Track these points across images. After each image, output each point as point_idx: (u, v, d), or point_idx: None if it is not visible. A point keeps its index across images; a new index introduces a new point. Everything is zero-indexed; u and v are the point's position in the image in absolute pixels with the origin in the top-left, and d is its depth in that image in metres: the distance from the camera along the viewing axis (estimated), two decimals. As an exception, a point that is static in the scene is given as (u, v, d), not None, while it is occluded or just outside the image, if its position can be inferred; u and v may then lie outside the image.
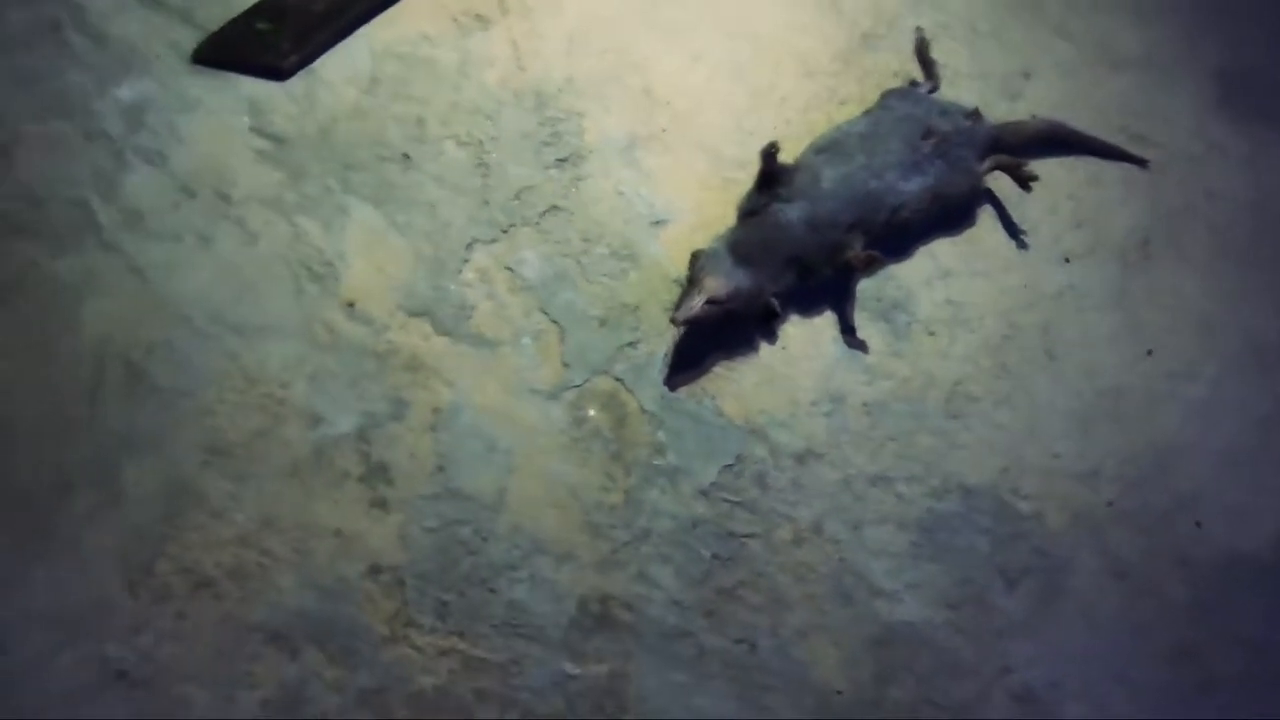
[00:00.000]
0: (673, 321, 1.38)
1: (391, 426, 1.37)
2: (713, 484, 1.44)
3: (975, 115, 1.65)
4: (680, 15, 1.76)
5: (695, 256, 1.49)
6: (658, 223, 1.60)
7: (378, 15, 1.60)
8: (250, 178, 1.45)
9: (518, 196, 1.55)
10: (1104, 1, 1.87)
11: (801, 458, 1.49)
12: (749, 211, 1.53)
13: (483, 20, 1.65)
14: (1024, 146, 1.72)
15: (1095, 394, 1.59)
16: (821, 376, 1.54)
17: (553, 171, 1.59)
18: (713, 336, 1.50)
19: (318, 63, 1.55)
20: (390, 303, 1.44)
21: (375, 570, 1.31)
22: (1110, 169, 1.76)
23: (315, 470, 1.34)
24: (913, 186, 1.55)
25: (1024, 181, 1.62)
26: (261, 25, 1.50)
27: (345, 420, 1.36)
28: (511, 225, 1.53)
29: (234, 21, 1.51)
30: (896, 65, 1.80)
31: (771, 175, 1.50)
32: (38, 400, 1.30)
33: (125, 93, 1.46)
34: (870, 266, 1.49)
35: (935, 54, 1.79)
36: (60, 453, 1.29)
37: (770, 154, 1.45)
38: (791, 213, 1.48)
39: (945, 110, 1.63)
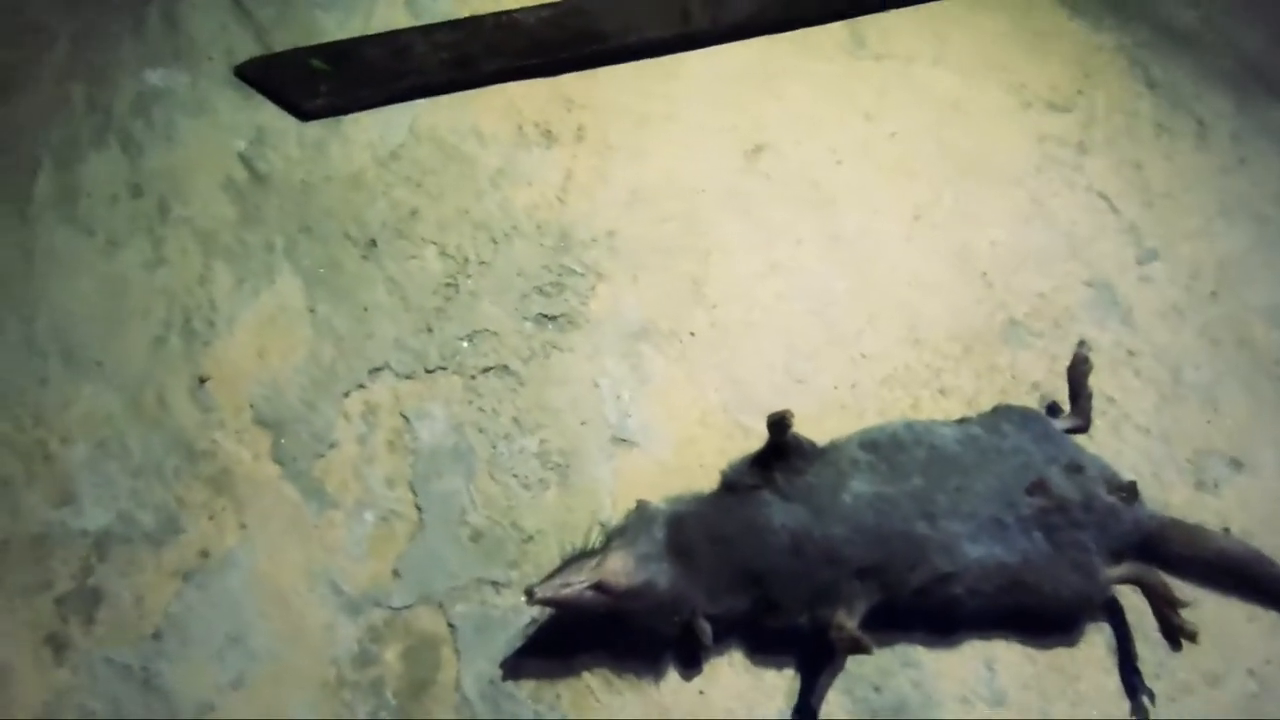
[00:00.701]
0: (526, 594, 0.92)
1: (140, 550, 1.02)
2: None
3: (1128, 492, 1.10)
4: (781, 214, 1.41)
5: (631, 513, 1.05)
6: (623, 441, 1.18)
7: (445, 94, 1.41)
8: (203, 202, 1.26)
9: (469, 339, 1.22)
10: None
11: None
12: (730, 484, 1.08)
13: (550, 138, 1.41)
14: (1194, 565, 1.13)
15: None
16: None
17: (529, 326, 1.24)
18: (609, 627, 1.02)
19: (352, 118, 1.37)
20: (245, 397, 1.12)
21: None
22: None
23: (22, 559, 1.00)
24: (979, 554, 1.01)
25: (1173, 629, 1.02)
26: (315, 62, 1.36)
27: (96, 516, 1.03)
28: (440, 368, 1.19)
29: (295, 50, 1.38)
30: (1039, 376, 1.30)
31: (780, 451, 1.04)
32: None
33: (155, 78, 1.36)
34: (852, 651, 0.95)
35: (1104, 386, 1.28)
36: None
37: (780, 423, 1.01)
38: (780, 515, 1.00)
39: (1080, 466, 1.10)
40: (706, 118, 1.49)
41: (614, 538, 1.01)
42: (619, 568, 0.95)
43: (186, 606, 1.00)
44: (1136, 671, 1.09)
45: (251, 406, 1.12)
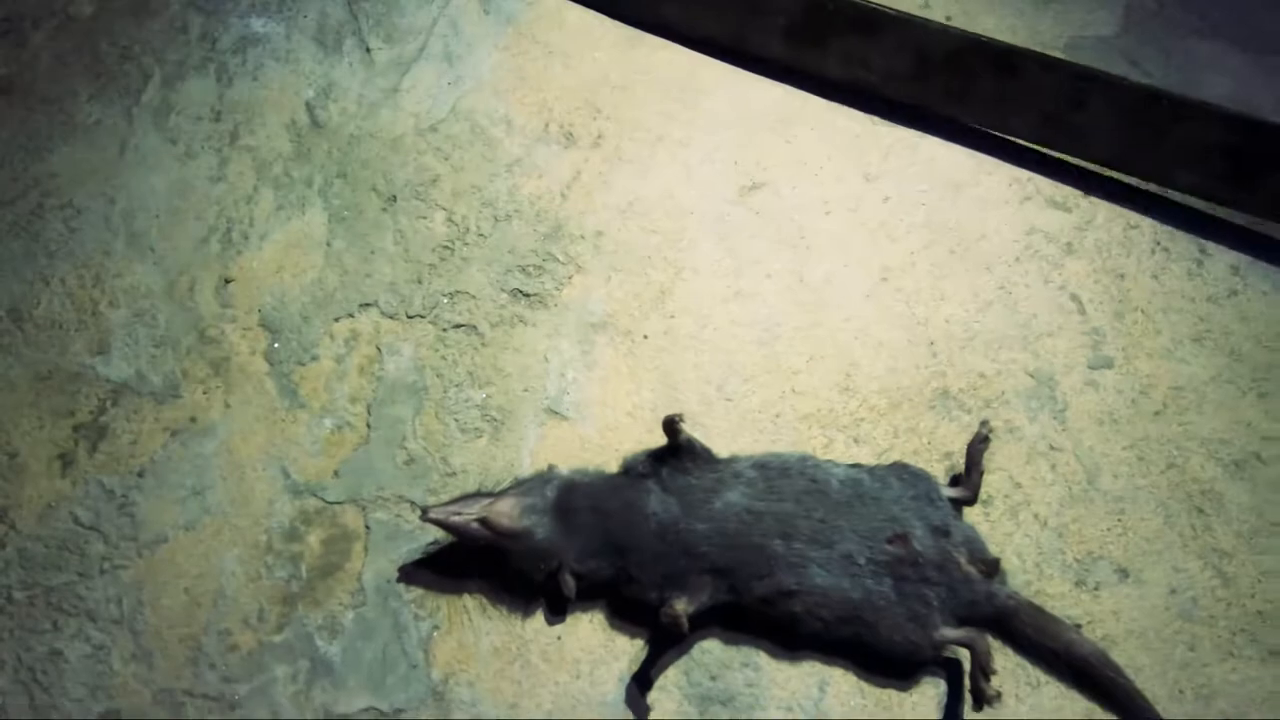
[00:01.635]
0: (422, 513, 1.10)
1: (144, 403, 1.26)
2: (344, 718, 1.11)
3: (989, 566, 1.18)
4: (758, 248, 1.54)
5: (538, 473, 1.21)
6: (555, 413, 1.34)
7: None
8: (267, 135, 1.49)
9: (450, 296, 1.41)
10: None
11: (460, 772, 1.10)
12: (626, 470, 1.23)
13: (570, 139, 1.58)
14: (1043, 652, 1.20)
15: None
16: (569, 708, 1.14)
17: (504, 297, 1.42)
18: (493, 566, 1.19)
19: (407, 85, 1.57)
20: (257, 301, 1.35)
21: None
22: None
23: (58, 388, 1.25)
24: (825, 582, 1.13)
25: (979, 692, 1.10)
26: None
27: (120, 368, 1.28)
28: (419, 316, 1.38)
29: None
30: (954, 448, 1.39)
31: (674, 451, 1.19)
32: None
33: (257, 24, 1.60)
34: (670, 628, 1.08)
35: (1016, 473, 1.35)
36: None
37: (672, 426, 1.15)
38: (655, 502, 1.15)
39: (947, 531, 1.19)
40: (716, 148, 1.62)
41: (513, 487, 1.17)
42: (505, 510, 1.11)
43: (168, 457, 1.23)
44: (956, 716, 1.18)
45: (259, 311, 1.34)
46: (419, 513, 1.11)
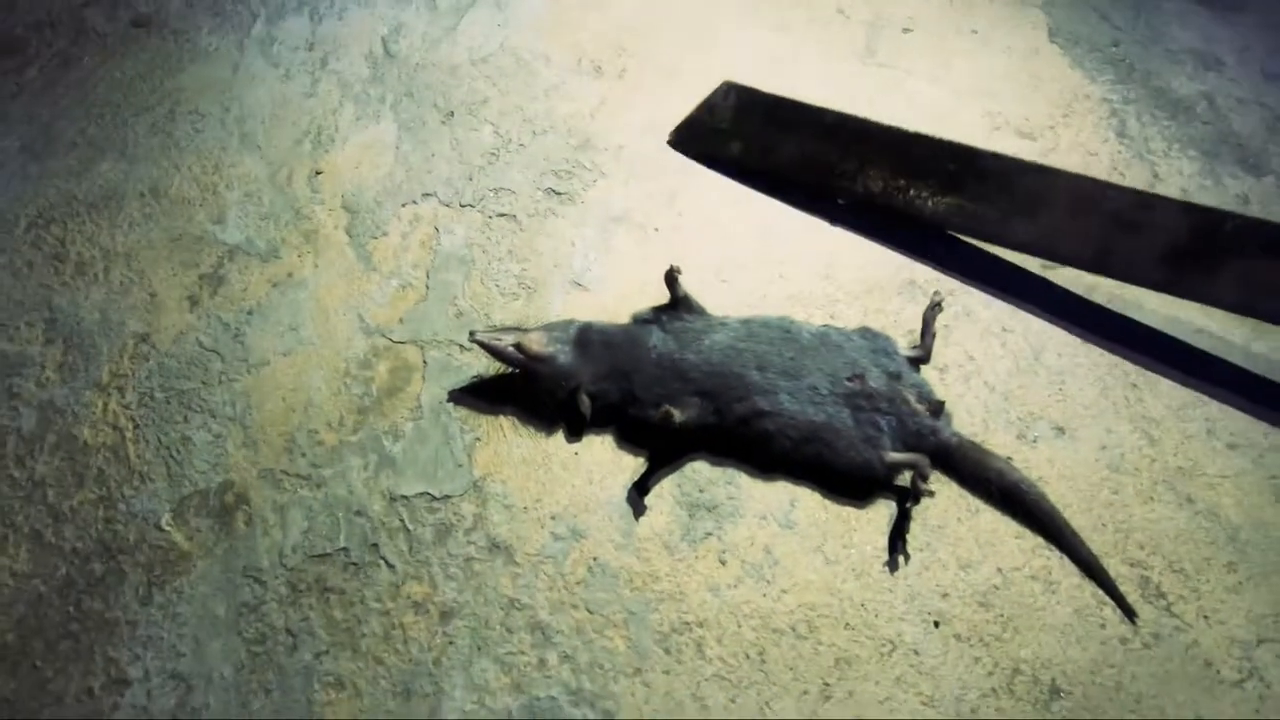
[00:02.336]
0: (470, 334, 1.39)
1: (252, 261, 1.57)
2: (404, 497, 1.39)
3: (935, 407, 1.41)
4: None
5: (566, 320, 1.49)
6: (578, 285, 1.62)
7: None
8: (349, 61, 1.81)
9: (495, 191, 1.70)
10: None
11: (494, 547, 1.37)
12: (635, 318, 1.50)
13: (598, 70, 1.87)
14: (978, 482, 1.43)
15: None
16: (582, 506, 1.41)
17: (539, 194, 1.71)
18: (525, 396, 1.46)
19: (464, 25, 1.88)
20: (340, 189, 1.66)
21: (140, 337, 1.50)
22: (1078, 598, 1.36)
23: (187, 248, 1.58)
24: (792, 407, 1.37)
25: (915, 492, 1.34)
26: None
27: (233, 234, 1.60)
28: (469, 205, 1.68)
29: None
30: (916, 325, 1.62)
31: (674, 303, 1.45)
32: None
33: (343, -25, 1.93)
34: (662, 421, 1.34)
35: (970, 347, 1.58)
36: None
37: (670, 276, 1.41)
38: (654, 337, 1.41)
39: (899, 375, 1.43)
40: (723, 80, 1.89)
41: (542, 326, 1.45)
42: (536, 339, 1.39)
43: (270, 301, 1.54)
44: (902, 537, 1.40)
45: (341, 196, 1.65)
46: (468, 334, 1.39)
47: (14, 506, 1.33)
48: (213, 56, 1.82)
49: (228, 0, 1.90)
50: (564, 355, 1.40)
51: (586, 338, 1.42)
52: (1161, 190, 1.82)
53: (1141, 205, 1.49)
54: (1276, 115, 1.98)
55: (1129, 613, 1.33)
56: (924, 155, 1.61)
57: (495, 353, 1.39)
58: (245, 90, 1.77)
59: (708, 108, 1.66)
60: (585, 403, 1.41)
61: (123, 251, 1.57)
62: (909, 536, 1.41)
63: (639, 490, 1.41)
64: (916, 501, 1.34)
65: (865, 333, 1.50)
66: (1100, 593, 1.35)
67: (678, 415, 1.33)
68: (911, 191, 1.65)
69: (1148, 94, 1.98)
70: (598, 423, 1.45)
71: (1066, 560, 1.36)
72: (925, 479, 1.34)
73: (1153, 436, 1.52)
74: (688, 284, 1.50)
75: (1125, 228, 1.49)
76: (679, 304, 1.44)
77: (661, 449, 1.43)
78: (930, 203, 1.64)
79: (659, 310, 1.47)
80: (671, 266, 1.41)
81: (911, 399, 1.41)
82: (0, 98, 1.75)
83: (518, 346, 1.38)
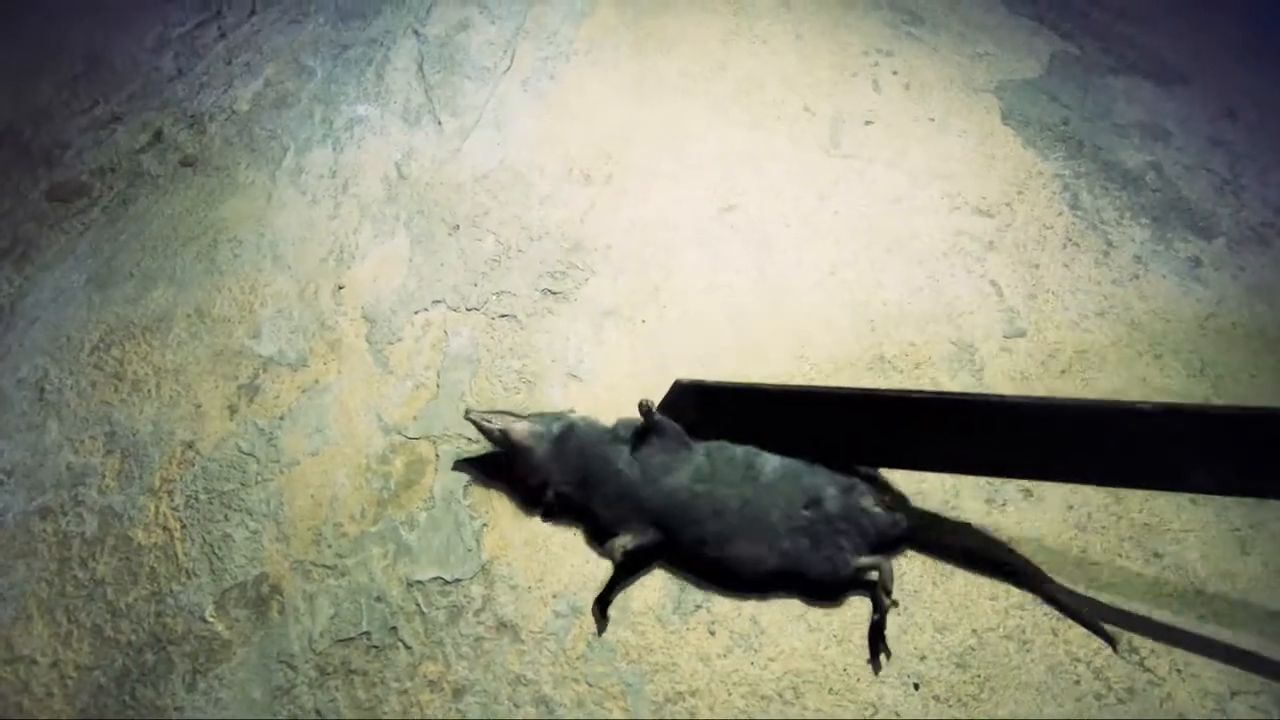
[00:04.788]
0: (466, 412, 1.56)
1: (284, 371, 1.77)
2: (419, 582, 1.54)
3: (892, 501, 1.52)
4: (731, 253, 1.98)
5: (554, 413, 1.64)
6: (574, 376, 1.79)
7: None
8: (367, 185, 2.05)
9: (498, 294, 1.89)
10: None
11: (502, 626, 1.50)
12: (615, 430, 1.56)
13: (587, 178, 2.08)
14: (941, 550, 1.51)
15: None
16: (581, 584, 1.54)
17: (536, 295, 1.90)
18: (513, 486, 1.59)
19: (468, 147, 2.12)
20: (361, 300, 1.87)
21: (187, 445, 1.69)
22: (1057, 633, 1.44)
23: (226, 360, 1.79)
24: (747, 554, 1.41)
25: (878, 602, 1.38)
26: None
27: (267, 347, 1.80)
28: (474, 308, 1.87)
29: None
30: (886, 398, 1.75)
31: (648, 428, 1.50)
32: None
33: (361, 110, 2.19)
34: (608, 555, 1.44)
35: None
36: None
37: (643, 409, 1.47)
38: (623, 463, 1.48)
39: (853, 486, 1.46)
40: (700, 181, 2.09)
41: (534, 416, 1.61)
42: (520, 429, 1.54)
43: (300, 406, 1.73)
44: (882, 638, 1.39)
45: (361, 307, 1.86)
46: (464, 413, 1.56)
47: (78, 605, 1.51)
48: (249, 189, 2.07)
49: (262, 136, 2.17)
50: (541, 451, 1.53)
51: (567, 438, 1.53)
52: (1115, 257, 1.95)
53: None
54: (1223, 179, 2.12)
55: (1109, 641, 1.40)
56: (899, 414, 1.42)
57: (484, 432, 1.55)
58: (277, 217, 2.01)
59: (669, 409, 1.56)
60: (549, 496, 1.52)
61: (172, 368, 1.79)
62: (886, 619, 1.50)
63: (600, 605, 1.45)
64: (882, 614, 1.42)
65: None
66: (1074, 649, 1.43)
67: (622, 549, 1.41)
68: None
69: (1098, 167, 2.13)
70: (567, 517, 1.57)
71: (1040, 618, 1.45)
72: (889, 591, 1.40)
73: (1118, 494, 1.62)
74: (673, 370, 1.65)
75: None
76: (653, 430, 1.49)
77: (623, 563, 1.48)
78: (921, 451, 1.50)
79: (637, 433, 1.50)
80: (645, 402, 1.46)
81: (869, 504, 1.46)
82: (69, 236, 2.01)
83: (503, 432, 1.54)
